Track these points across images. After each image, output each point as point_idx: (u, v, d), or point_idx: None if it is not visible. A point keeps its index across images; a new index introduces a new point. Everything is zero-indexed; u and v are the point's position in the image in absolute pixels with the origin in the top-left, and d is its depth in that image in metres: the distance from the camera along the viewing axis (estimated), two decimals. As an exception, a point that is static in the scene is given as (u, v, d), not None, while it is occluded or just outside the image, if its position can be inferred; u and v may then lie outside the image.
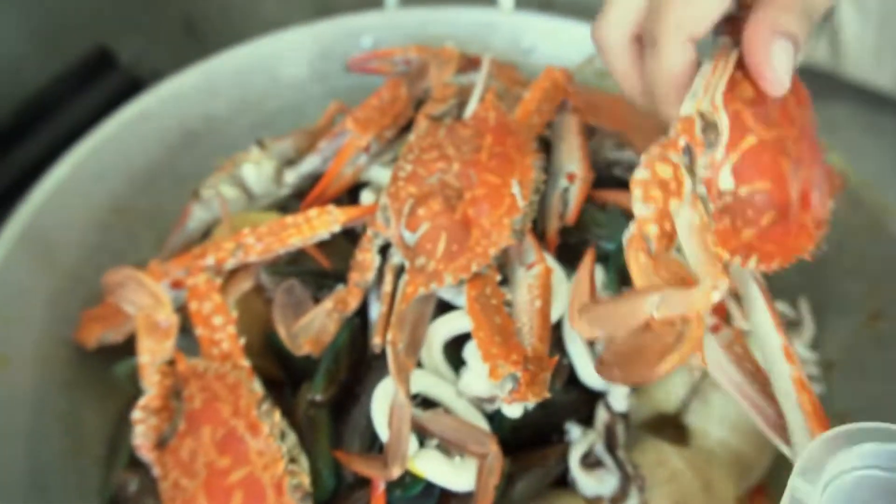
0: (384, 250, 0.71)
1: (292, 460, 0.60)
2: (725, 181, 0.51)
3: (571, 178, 0.76)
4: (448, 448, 0.62)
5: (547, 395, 0.60)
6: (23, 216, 0.82)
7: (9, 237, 0.80)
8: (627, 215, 0.77)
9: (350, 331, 0.70)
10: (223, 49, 1.00)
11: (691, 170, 0.52)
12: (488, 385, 0.61)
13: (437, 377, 0.66)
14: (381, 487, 0.60)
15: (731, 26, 0.56)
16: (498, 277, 0.67)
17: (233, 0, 1.41)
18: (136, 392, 0.70)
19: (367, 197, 0.78)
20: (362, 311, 0.72)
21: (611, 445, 0.69)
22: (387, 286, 0.68)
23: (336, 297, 0.68)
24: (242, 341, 0.67)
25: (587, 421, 0.71)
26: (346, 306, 0.68)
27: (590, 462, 0.68)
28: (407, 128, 0.83)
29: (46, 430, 0.76)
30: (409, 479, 0.62)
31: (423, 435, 0.63)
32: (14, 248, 0.80)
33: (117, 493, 0.68)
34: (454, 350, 0.69)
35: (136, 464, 0.70)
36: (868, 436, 0.43)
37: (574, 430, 0.69)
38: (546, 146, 0.81)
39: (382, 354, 0.64)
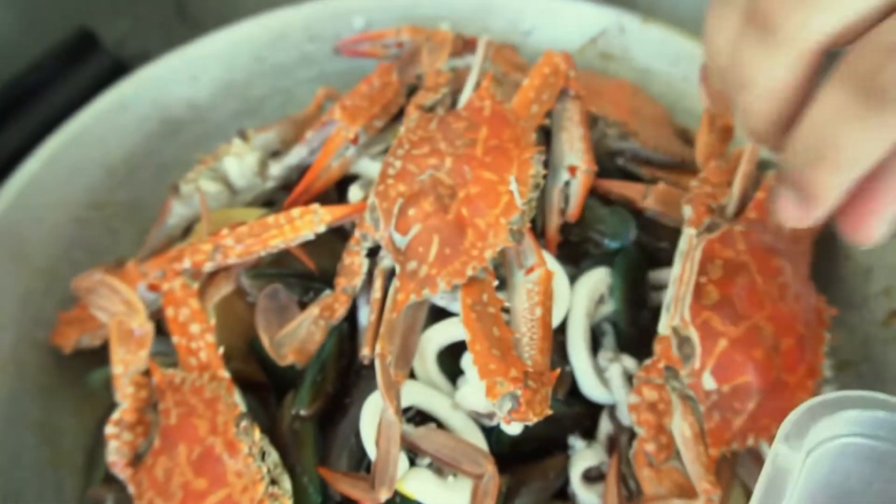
0: (373, 253, 0.67)
1: (273, 482, 0.56)
2: (708, 384, 0.61)
3: (573, 171, 0.71)
4: (441, 467, 0.58)
5: (549, 412, 0.55)
6: (-7, 213, 0.78)
7: (-22, 234, 0.76)
8: (632, 211, 0.74)
9: (338, 338, 0.65)
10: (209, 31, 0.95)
11: (678, 380, 0.61)
12: (487, 401, 0.57)
13: (432, 389, 0.62)
14: (369, 510, 0.56)
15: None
16: (495, 282, 0.62)
17: (225, -20, 1.35)
18: (115, 400, 0.66)
19: (355, 192, 0.73)
20: (351, 316, 0.68)
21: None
22: (376, 292, 0.64)
23: (322, 304, 0.64)
24: (221, 350, 0.63)
25: (590, 432, 0.67)
26: (332, 313, 0.64)
27: (591, 476, 0.64)
28: (398, 116, 0.78)
29: (21, 440, 0.73)
30: (399, 500, 0.58)
31: (414, 453, 0.59)
32: (-16, 246, 0.76)
33: (93, 509, 0.65)
34: (451, 357, 0.65)
35: (113, 477, 0.66)
36: (852, 403, 0.43)
37: (577, 444, 0.65)
38: (546, 136, 0.76)
39: (372, 366, 0.60)
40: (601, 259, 0.71)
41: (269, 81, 0.99)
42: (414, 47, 0.82)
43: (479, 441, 0.60)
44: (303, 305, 0.66)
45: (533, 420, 0.54)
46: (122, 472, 0.61)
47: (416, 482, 0.57)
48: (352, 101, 0.76)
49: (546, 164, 0.72)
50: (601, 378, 0.66)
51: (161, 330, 0.69)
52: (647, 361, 0.62)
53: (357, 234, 0.66)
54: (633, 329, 0.69)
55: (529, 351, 0.58)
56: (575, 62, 0.76)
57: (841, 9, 0.35)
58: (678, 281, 0.64)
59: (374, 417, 0.58)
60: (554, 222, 0.71)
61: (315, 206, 0.66)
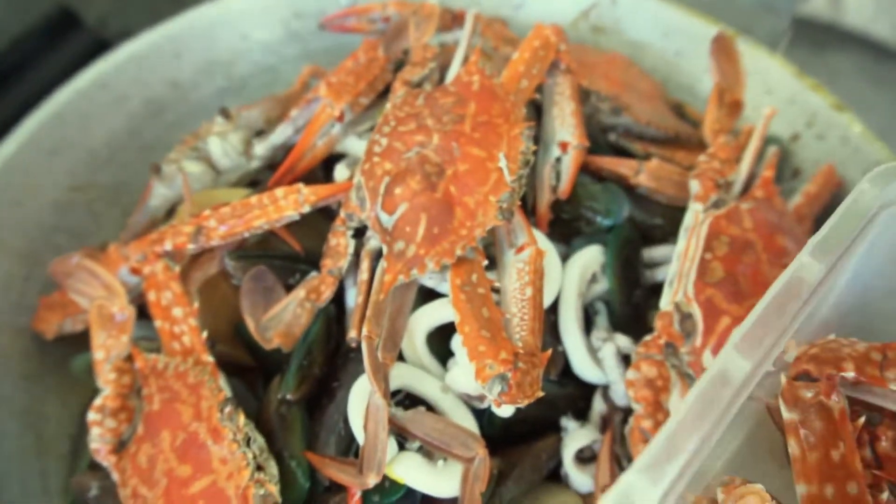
0: (360, 234, 0.65)
1: (259, 468, 0.55)
2: (708, 362, 0.59)
3: (565, 147, 0.70)
4: (431, 451, 0.57)
5: (540, 394, 0.54)
6: (-33, 198, 0.76)
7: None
8: (624, 187, 0.73)
9: (325, 321, 0.64)
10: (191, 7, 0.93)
11: (677, 357, 0.60)
12: (477, 383, 0.55)
13: (421, 371, 0.61)
14: (357, 495, 0.55)
15: None
16: (485, 262, 0.61)
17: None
18: (97, 386, 0.64)
19: (341, 171, 0.71)
20: (338, 298, 0.66)
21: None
22: (363, 274, 0.62)
23: (308, 286, 0.62)
24: (205, 334, 0.62)
25: (583, 413, 0.66)
26: (319, 296, 0.62)
27: (584, 457, 0.63)
28: (385, 93, 0.76)
29: (4, 427, 0.71)
30: (388, 484, 0.57)
31: (403, 437, 0.58)
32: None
33: (76, 497, 0.63)
34: (441, 339, 0.63)
35: (98, 465, 0.65)
36: None
37: (570, 425, 0.64)
38: (537, 112, 0.75)
39: (360, 349, 0.58)
40: (593, 237, 0.70)
41: (254, 59, 0.96)
42: (401, 22, 0.80)
43: (470, 424, 0.59)
44: (288, 288, 0.65)
45: (523, 403, 0.53)
46: (105, 459, 0.59)
47: (405, 466, 0.56)
48: (337, 78, 0.74)
49: (537, 140, 0.70)
50: (594, 358, 0.64)
51: (144, 314, 0.68)
52: (648, 337, 0.62)
53: (343, 214, 0.64)
54: (627, 308, 0.68)
55: (520, 332, 0.56)
56: (566, 36, 0.74)
57: None
58: (682, 256, 0.63)
59: (362, 401, 0.57)
60: (545, 199, 0.69)
61: (299, 186, 0.64)
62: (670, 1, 0.91)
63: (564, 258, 0.68)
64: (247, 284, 0.64)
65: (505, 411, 0.57)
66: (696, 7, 0.91)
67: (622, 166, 0.73)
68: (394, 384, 0.59)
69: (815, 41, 1.30)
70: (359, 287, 0.62)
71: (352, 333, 0.60)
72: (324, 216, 0.70)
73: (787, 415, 0.45)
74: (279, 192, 0.64)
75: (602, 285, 0.68)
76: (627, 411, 0.63)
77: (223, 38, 0.94)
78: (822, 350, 0.47)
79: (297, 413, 0.62)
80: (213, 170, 0.77)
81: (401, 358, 0.62)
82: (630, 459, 0.62)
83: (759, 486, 0.42)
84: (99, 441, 0.59)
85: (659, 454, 0.40)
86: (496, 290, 0.60)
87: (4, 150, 0.78)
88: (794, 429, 0.45)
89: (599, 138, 0.80)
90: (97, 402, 0.60)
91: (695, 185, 0.67)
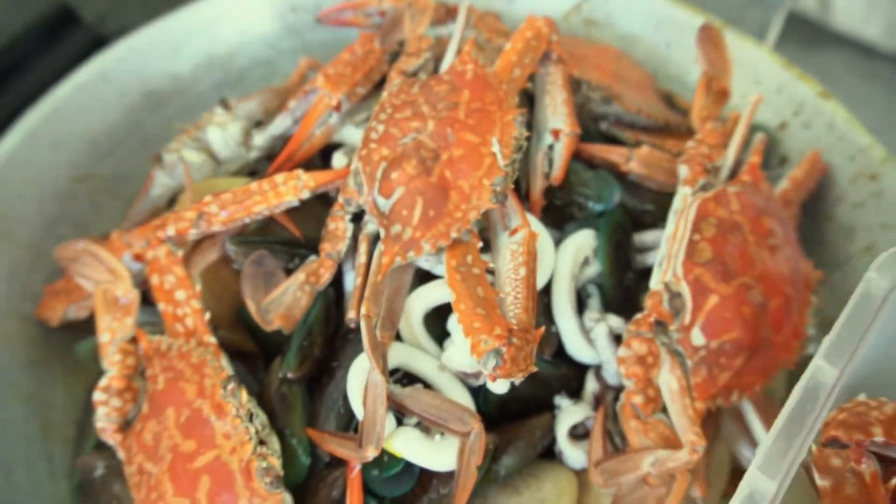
0: (358, 219, 0.67)
1: (261, 442, 0.56)
2: (697, 339, 0.62)
3: (557, 134, 0.72)
4: (428, 426, 0.59)
5: (534, 369, 0.56)
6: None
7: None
8: (615, 174, 0.74)
9: (324, 303, 0.66)
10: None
11: (667, 335, 0.62)
12: (473, 359, 0.57)
13: (418, 351, 0.63)
14: (356, 468, 0.57)
15: None
16: (479, 244, 0.63)
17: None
18: (102, 367, 0.66)
19: (339, 160, 0.73)
20: (337, 282, 0.68)
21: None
22: (361, 257, 0.64)
23: (308, 270, 0.64)
24: (208, 316, 0.63)
25: (576, 393, 0.68)
26: (318, 279, 0.64)
27: (578, 433, 0.65)
28: (381, 84, 0.78)
29: (10, 412, 0.73)
30: (387, 459, 0.59)
31: (401, 413, 0.59)
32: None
33: (83, 477, 0.65)
34: (438, 320, 0.65)
35: (103, 446, 0.67)
36: None
37: (563, 403, 0.65)
38: (529, 101, 0.76)
39: (358, 329, 0.60)
40: (586, 222, 0.72)
41: (252, 53, 0.98)
42: (396, 15, 0.82)
43: (467, 401, 0.61)
44: (288, 272, 0.66)
45: (518, 376, 0.55)
46: (111, 438, 0.61)
47: (404, 440, 0.58)
48: (334, 69, 0.76)
49: (530, 128, 0.72)
50: (587, 338, 0.66)
51: (147, 300, 0.69)
52: (638, 316, 0.63)
53: (341, 199, 0.66)
54: (619, 290, 0.70)
55: (514, 309, 0.58)
56: (558, 27, 0.76)
57: None
58: (672, 238, 0.65)
59: (361, 378, 0.58)
60: (538, 185, 0.71)
61: (298, 172, 0.66)
62: (661, -6, 0.93)
63: (557, 243, 0.70)
64: (248, 268, 0.65)
65: (500, 387, 0.59)
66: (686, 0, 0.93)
67: (613, 154, 0.75)
68: (391, 363, 0.61)
69: (806, 38, 1.32)
70: (357, 270, 0.64)
71: (351, 314, 0.62)
72: (321, 204, 0.72)
73: (819, 482, 0.47)
74: (279, 178, 0.65)
75: (594, 268, 0.70)
76: (619, 390, 0.65)
77: (222, 32, 0.96)
78: (850, 415, 0.48)
79: (297, 392, 0.63)
80: (213, 159, 0.79)
81: (398, 339, 0.64)
82: (622, 436, 0.64)
83: None
84: (105, 420, 0.61)
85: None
86: (490, 272, 0.62)
87: (7, 143, 0.79)
88: (827, 494, 0.46)
89: (591, 127, 0.82)
90: (102, 382, 0.62)
91: (683, 170, 0.69)
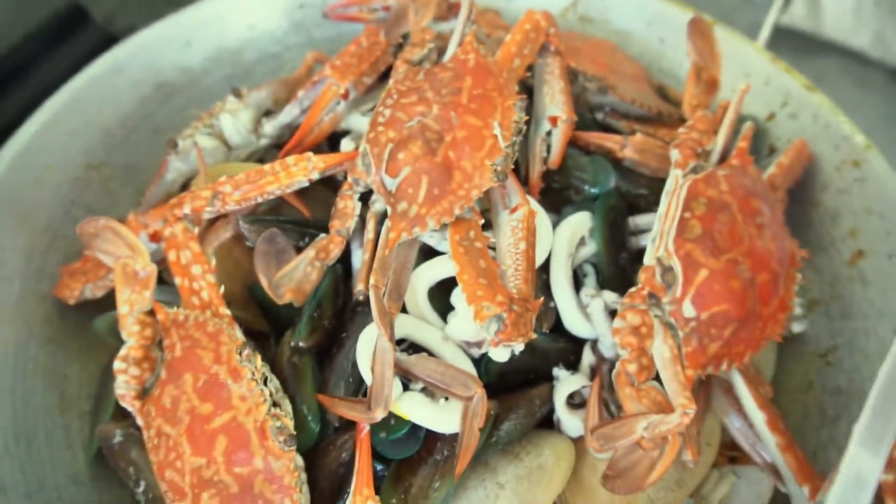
0: (366, 197, 0.70)
1: (275, 404, 0.59)
2: (688, 311, 0.65)
3: (554, 121, 0.75)
4: (433, 391, 0.62)
5: (533, 335, 0.59)
6: (-6, 175, 0.80)
7: (-19, 196, 0.79)
8: (610, 159, 0.78)
9: (333, 278, 0.69)
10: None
11: (659, 307, 0.65)
12: (475, 328, 0.60)
13: (423, 322, 0.66)
14: (365, 430, 0.60)
15: None
16: (481, 221, 0.66)
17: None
18: (118, 346, 0.69)
19: (347, 146, 0.76)
20: (345, 260, 0.71)
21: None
22: (369, 233, 0.67)
23: (318, 246, 0.67)
24: (222, 289, 0.66)
25: (574, 366, 0.71)
26: (327, 254, 0.67)
27: (575, 402, 0.68)
28: (386, 74, 0.81)
29: (30, 387, 0.76)
30: (393, 422, 0.62)
31: (407, 378, 0.62)
32: (-13, 206, 0.79)
33: (102, 444, 0.68)
34: (442, 297, 0.68)
35: (120, 416, 0.69)
36: None
37: (561, 374, 0.68)
38: (528, 92, 0.80)
39: (367, 301, 0.63)
40: (582, 205, 0.75)
41: (260, 47, 1.02)
42: (400, 9, 0.85)
43: (469, 370, 0.64)
44: (298, 250, 0.69)
45: (518, 341, 0.58)
46: (130, 404, 0.64)
47: (410, 403, 0.61)
48: (341, 60, 0.79)
49: (529, 115, 0.76)
50: (584, 313, 0.69)
51: (161, 280, 0.72)
52: (632, 289, 0.66)
53: (350, 179, 0.69)
54: (614, 269, 0.73)
55: (514, 281, 0.61)
56: (555, 21, 0.80)
57: None
58: (664, 216, 0.68)
59: (369, 346, 0.61)
60: (537, 169, 0.74)
61: (309, 154, 0.69)
62: (654, -8, 0.97)
63: (555, 227, 0.73)
64: (260, 245, 0.68)
65: (501, 355, 0.62)
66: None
67: (609, 141, 0.78)
68: (398, 333, 0.64)
69: (799, 46, 1.36)
70: (365, 246, 0.67)
71: (360, 286, 0.65)
72: (330, 189, 0.75)
73: (883, 476, 0.51)
74: (290, 159, 0.69)
75: (590, 248, 0.73)
76: (614, 362, 0.68)
77: (231, 27, 0.99)
78: None
79: (307, 362, 0.66)
80: (225, 145, 0.82)
81: (404, 311, 0.67)
82: (617, 405, 0.67)
83: None
84: (124, 387, 0.64)
85: None
86: (492, 248, 0.65)
87: (26, 131, 0.83)
88: (889, 488, 0.50)
89: (587, 117, 0.85)
90: (122, 352, 0.65)
91: (675, 154, 0.72)
